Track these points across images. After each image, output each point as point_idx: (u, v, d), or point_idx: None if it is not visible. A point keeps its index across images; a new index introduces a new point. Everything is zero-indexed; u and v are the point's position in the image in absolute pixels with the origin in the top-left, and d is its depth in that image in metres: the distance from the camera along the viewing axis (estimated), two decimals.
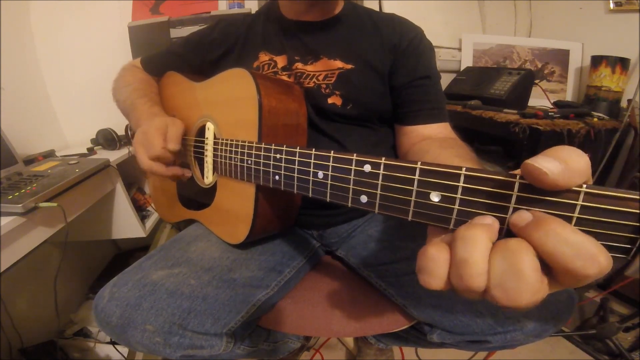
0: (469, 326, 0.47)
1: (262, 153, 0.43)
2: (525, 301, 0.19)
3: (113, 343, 0.93)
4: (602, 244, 0.19)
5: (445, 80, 1.43)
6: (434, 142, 0.53)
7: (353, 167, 0.30)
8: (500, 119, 1.05)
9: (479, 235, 0.21)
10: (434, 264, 0.22)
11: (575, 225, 0.20)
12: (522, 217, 0.21)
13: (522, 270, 0.19)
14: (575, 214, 0.20)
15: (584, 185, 0.19)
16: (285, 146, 0.39)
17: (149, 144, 0.52)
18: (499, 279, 0.20)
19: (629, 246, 0.19)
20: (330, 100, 0.58)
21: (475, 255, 0.21)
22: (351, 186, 0.31)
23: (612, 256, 0.19)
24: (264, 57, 0.61)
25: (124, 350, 0.92)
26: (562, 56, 1.41)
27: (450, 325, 0.49)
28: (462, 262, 0.21)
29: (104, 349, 0.95)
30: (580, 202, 0.20)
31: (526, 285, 0.19)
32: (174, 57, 0.70)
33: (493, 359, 0.76)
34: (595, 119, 1.08)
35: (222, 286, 0.50)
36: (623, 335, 1.01)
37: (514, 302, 0.20)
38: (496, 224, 0.22)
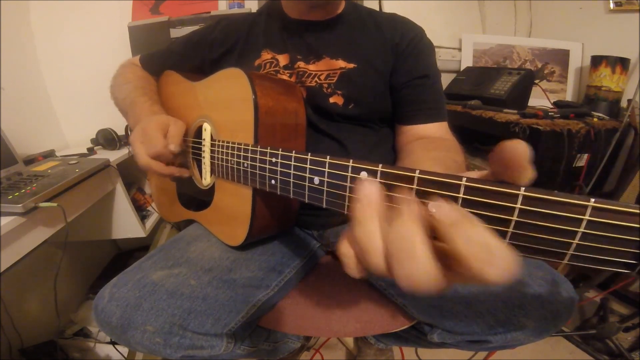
0: (469, 326, 0.47)
1: (258, 156, 0.43)
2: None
3: (113, 343, 0.93)
4: (608, 259, 0.19)
5: (445, 80, 1.43)
6: (422, 143, 0.53)
7: (349, 174, 0.29)
8: (500, 119, 1.05)
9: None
10: None
11: (580, 240, 0.20)
12: (449, 215, 0.19)
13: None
14: (581, 229, 0.20)
15: (592, 200, 0.19)
16: (280, 150, 0.38)
17: (148, 140, 0.52)
18: None
19: (634, 262, 0.19)
20: (331, 100, 0.58)
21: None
22: (347, 193, 0.30)
23: (617, 270, 0.19)
24: (266, 55, 0.61)
25: (124, 350, 0.92)
26: (562, 56, 1.40)
27: (451, 325, 0.48)
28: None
29: (104, 349, 0.95)
30: (587, 217, 0.19)
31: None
32: (174, 56, 0.70)
33: (493, 359, 0.76)
34: (595, 119, 1.08)
35: (222, 286, 0.50)
36: (623, 335, 1.01)
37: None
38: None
